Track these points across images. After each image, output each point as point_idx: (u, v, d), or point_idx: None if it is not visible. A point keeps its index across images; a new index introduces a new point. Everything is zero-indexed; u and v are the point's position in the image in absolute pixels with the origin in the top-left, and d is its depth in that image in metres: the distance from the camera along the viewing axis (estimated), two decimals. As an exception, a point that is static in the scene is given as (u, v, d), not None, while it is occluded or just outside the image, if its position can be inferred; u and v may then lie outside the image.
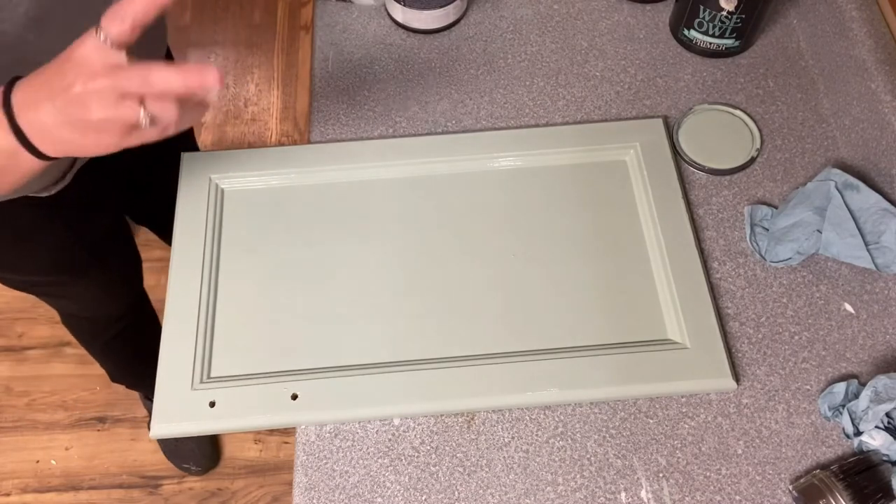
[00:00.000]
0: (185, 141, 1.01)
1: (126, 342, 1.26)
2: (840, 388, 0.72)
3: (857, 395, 0.70)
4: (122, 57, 0.51)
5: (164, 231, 0.85)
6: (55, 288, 1.06)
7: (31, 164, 0.55)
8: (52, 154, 0.54)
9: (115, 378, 1.40)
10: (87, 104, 0.49)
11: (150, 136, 0.52)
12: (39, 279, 1.02)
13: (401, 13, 0.94)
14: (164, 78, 0.50)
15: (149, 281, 1.70)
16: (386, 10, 0.97)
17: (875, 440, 0.68)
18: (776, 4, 0.97)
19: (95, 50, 0.50)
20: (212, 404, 0.72)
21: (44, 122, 0.51)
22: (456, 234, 0.82)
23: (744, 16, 0.88)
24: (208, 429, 0.73)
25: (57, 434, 1.56)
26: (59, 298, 1.12)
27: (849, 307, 0.78)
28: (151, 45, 0.87)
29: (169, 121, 0.51)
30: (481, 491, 0.70)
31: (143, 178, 1.05)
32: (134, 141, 0.52)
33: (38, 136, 0.52)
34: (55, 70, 0.51)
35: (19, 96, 0.52)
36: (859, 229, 0.76)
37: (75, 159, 0.80)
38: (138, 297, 1.23)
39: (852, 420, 0.70)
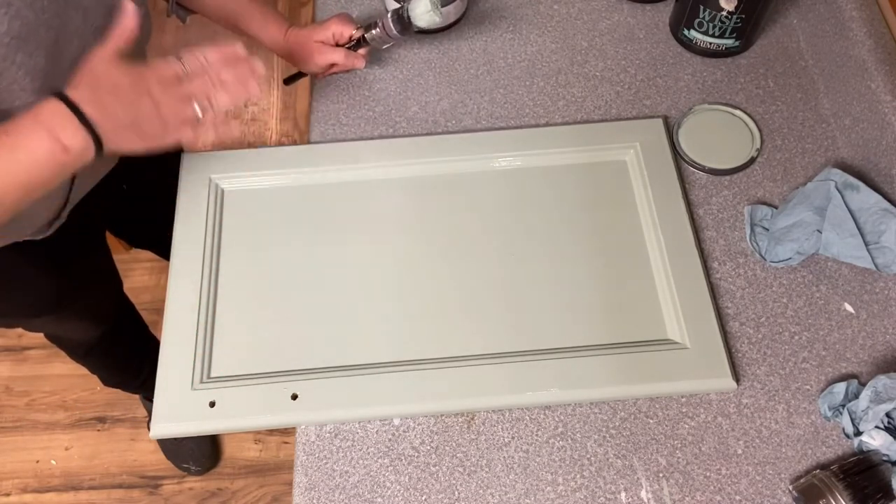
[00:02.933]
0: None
1: (106, 354, 1.25)
2: (840, 388, 0.72)
3: (857, 395, 0.70)
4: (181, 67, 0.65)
5: (165, 252, 0.84)
6: (28, 324, 1.05)
7: (84, 159, 0.62)
8: (112, 146, 0.62)
9: (107, 383, 1.40)
10: (159, 104, 0.63)
11: (195, 130, 0.66)
12: (12, 321, 1.01)
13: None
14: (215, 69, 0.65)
15: (149, 281, 1.71)
16: (385, 8, 0.97)
17: (875, 440, 0.68)
18: (776, 4, 0.97)
19: (166, 64, 0.64)
20: (212, 404, 0.72)
21: (114, 117, 0.61)
22: (456, 234, 0.82)
23: (744, 16, 0.88)
24: (208, 429, 0.73)
25: (57, 434, 1.56)
26: (33, 329, 1.11)
27: (849, 307, 0.78)
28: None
29: (219, 105, 0.65)
30: (481, 491, 0.70)
31: (141, 205, 1.03)
32: (185, 133, 0.65)
33: (107, 131, 0.61)
34: (121, 77, 0.63)
35: (82, 96, 0.61)
36: (859, 229, 0.76)
37: (68, 198, 0.80)
38: (115, 315, 1.22)
39: (852, 420, 0.70)
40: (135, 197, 0.99)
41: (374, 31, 0.87)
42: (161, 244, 0.88)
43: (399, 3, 0.89)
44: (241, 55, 0.67)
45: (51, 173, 0.62)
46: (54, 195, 0.77)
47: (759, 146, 0.87)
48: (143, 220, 1.07)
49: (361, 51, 0.89)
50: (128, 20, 0.65)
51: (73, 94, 0.61)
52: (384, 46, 0.90)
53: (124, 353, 1.30)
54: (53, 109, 0.60)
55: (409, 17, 0.84)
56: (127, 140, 0.63)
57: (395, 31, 0.85)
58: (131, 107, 0.63)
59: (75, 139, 0.60)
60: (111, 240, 1.13)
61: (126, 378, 1.38)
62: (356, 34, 0.88)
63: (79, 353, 1.23)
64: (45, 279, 0.91)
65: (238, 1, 0.88)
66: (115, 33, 0.64)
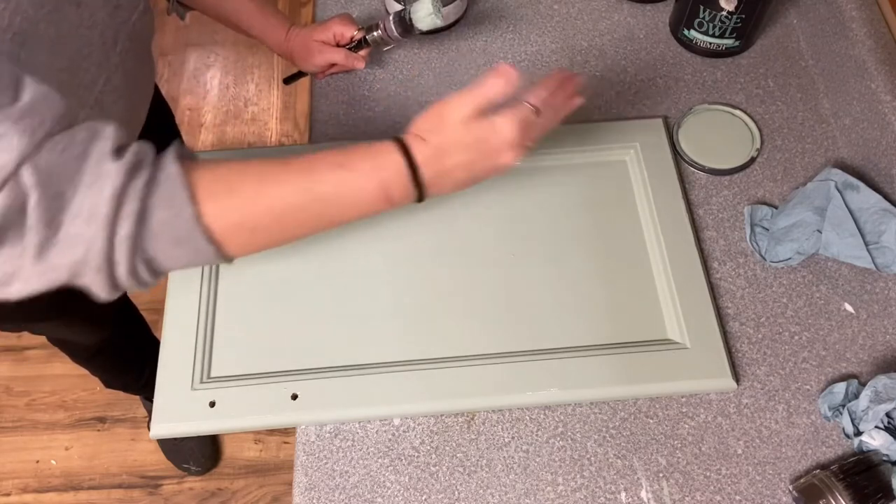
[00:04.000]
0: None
1: (109, 357, 1.25)
2: (840, 388, 0.72)
3: (857, 395, 0.70)
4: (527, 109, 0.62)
5: None
6: (34, 328, 1.05)
7: (404, 202, 0.61)
8: (429, 195, 0.61)
9: (108, 385, 1.40)
10: (498, 158, 0.61)
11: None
12: (18, 325, 1.00)
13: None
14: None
15: (149, 281, 1.71)
16: (386, 9, 0.97)
17: (875, 440, 0.68)
18: (776, 4, 0.97)
19: (519, 111, 0.61)
20: (212, 404, 0.72)
21: (448, 180, 0.62)
22: (455, 234, 0.82)
23: (744, 16, 0.88)
24: (208, 429, 0.73)
25: (57, 434, 1.56)
26: (38, 333, 1.10)
27: (849, 307, 0.78)
28: (143, 88, 0.85)
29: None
30: (481, 491, 0.70)
31: None
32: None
33: (432, 189, 0.61)
34: (470, 138, 0.61)
35: (425, 157, 0.60)
36: (859, 229, 0.76)
37: None
38: (119, 317, 1.21)
39: (852, 420, 0.70)
40: None
41: (375, 33, 0.87)
42: None
43: (401, 5, 0.89)
44: (566, 75, 0.66)
45: (360, 215, 0.61)
46: None
47: (759, 146, 0.87)
48: None
49: (362, 52, 0.89)
50: (505, 71, 0.59)
51: (417, 150, 0.59)
52: (385, 48, 0.90)
53: (127, 355, 1.30)
54: (395, 168, 0.59)
55: (410, 20, 0.84)
56: (446, 189, 0.63)
57: (396, 34, 0.85)
58: (468, 168, 0.62)
59: (403, 197, 0.60)
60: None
61: (128, 380, 1.38)
62: (357, 35, 0.88)
63: (82, 356, 1.23)
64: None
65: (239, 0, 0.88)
66: (483, 88, 0.60)
